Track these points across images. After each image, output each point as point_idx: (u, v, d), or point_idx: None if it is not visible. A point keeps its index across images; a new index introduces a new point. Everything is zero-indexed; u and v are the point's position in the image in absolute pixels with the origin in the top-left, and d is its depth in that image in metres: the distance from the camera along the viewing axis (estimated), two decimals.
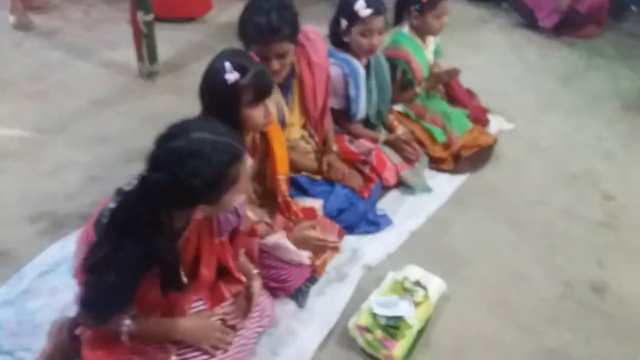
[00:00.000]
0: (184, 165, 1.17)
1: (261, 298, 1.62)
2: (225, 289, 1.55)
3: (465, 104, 2.77)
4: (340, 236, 1.98)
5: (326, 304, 1.82)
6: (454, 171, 2.54)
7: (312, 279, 1.86)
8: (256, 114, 1.60)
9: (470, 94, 2.92)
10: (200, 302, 1.50)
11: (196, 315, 1.47)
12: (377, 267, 2.01)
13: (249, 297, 1.55)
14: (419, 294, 1.75)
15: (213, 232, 1.44)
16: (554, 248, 2.19)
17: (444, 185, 2.48)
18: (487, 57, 3.78)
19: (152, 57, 3.06)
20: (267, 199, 1.89)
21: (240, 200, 1.43)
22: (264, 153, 1.82)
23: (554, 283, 2.03)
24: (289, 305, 1.80)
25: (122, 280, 1.23)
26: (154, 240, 1.23)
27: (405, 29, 2.59)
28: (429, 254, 2.08)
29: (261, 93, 1.58)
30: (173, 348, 1.42)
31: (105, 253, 1.22)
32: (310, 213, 1.92)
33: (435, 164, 2.54)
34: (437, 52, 2.73)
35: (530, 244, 2.20)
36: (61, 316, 1.59)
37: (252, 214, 1.78)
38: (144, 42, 2.97)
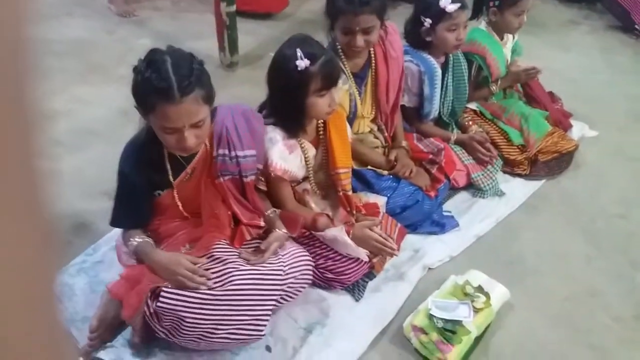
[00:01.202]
0: (139, 64, 1.37)
1: (294, 256, 1.64)
2: (246, 231, 1.63)
3: (546, 105, 2.64)
4: (402, 236, 1.95)
5: (382, 301, 1.80)
6: (529, 176, 2.42)
7: (370, 274, 1.84)
8: (321, 102, 1.62)
9: (553, 96, 2.78)
10: (225, 242, 1.59)
11: (170, 253, 1.54)
12: (439, 269, 1.96)
13: (263, 248, 1.59)
14: (480, 300, 1.70)
15: (212, 172, 1.57)
16: (633, 265, 2.04)
17: (517, 190, 2.37)
18: (575, 60, 3.57)
19: (233, 48, 3.15)
20: (330, 190, 1.89)
21: (177, 147, 1.43)
22: (327, 144, 1.83)
23: (630, 303, 1.89)
24: (345, 298, 1.79)
25: (123, 190, 1.51)
26: (146, 142, 1.45)
27: (483, 25, 2.50)
28: (494, 261, 2.00)
29: (329, 82, 1.61)
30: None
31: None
32: (372, 209, 1.90)
33: (510, 167, 2.43)
34: (516, 51, 2.62)
35: (606, 260, 2.06)
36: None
37: (314, 205, 1.80)
38: (226, 33, 3.06)
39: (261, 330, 1.50)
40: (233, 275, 1.49)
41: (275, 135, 1.67)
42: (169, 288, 1.45)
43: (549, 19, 4.16)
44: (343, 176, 1.83)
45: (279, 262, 1.58)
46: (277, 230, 1.65)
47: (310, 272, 1.70)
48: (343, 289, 1.80)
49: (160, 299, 1.43)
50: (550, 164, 2.44)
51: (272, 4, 3.88)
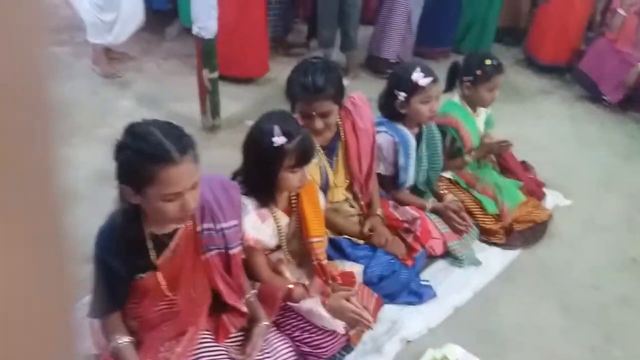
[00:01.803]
0: (123, 140, 1.32)
1: (276, 349, 1.64)
2: (229, 323, 1.60)
3: (519, 176, 2.71)
4: (378, 307, 1.94)
5: None
6: (505, 245, 2.46)
7: (347, 348, 1.81)
8: (293, 177, 1.66)
9: (526, 166, 2.86)
10: (208, 333, 1.56)
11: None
12: (417, 341, 1.94)
13: (249, 340, 1.58)
14: None
15: (197, 248, 1.52)
16: (608, 338, 2.05)
17: (493, 259, 2.39)
18: (546, 129, 3.70)
19: (215, 111, 3.21)
20: (305, 259, 1.90)
21: (175, 216, 1.38)
22: (299, 213, 1.85)
23: None
24: None
25: (101, 277, 1.42)
26: (123, 223, 1.39)
27: (456, 98, 2.60)
28: (472, 333, 1.99)
29: (303, 159, 1.65)
30: None
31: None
32: (348, 278, 1.90)
33: (486, 236, 2.47)
34: (488, 123, 2.71)
35: (582, 332, 2.07)
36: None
37: (289, 275, 1.79)
38: (208, 97, 3.12)
39: None
40: None
41: (247, 205, 1.69)
42: None
43: (522, 87, 4.34)
44: (316, 245, 1.85)
45: None
46: (258, 324, 1.65)
47: None
48: None
49: None
50: (525, 233, 2.48)
51: (253, 69, 3.97)
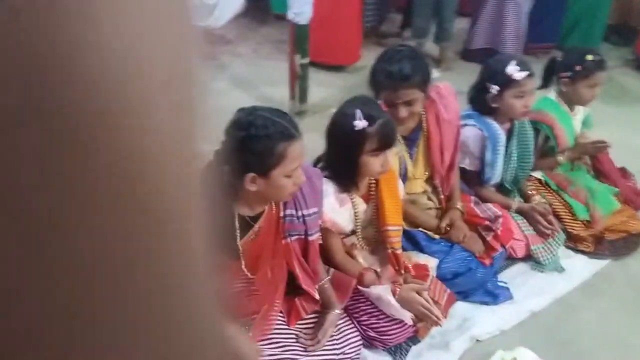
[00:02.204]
0: (241, 131, 1.35)
1: (344, 335, 1.68)
2: (301, 307, 1.65)
3: (615, 182, 2.53)
4: (450, 303, 1.90)
5: None
6: (593, 254, 2.32)
7: (414, 339, 1.80)
8: (375, 162, 1.66)
9: (624, 173, 2.67)
10: (280, 315, 1.62)
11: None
12: (487, 342, 1.89)
13: (320, 326, 1.63)
14: None
15: (278, 232, 1.57)
16: None
17: (579, 267, 2.26)
18: None
19: (303, 97, 3.27)
20: (379, 247, 1.90)
21: (291, 191, 1.45)
22: (377, 201, 1.85)
23: None
24: (384, 357, 1.77)
25: None
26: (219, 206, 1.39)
27: (552, 94, 2.47)
28: (547, 340, 1.91)
29: (384, 143, 1.65)
30: None
31: None
32: (421, 271, 1.88)
33: (573, 242, 2.34)
34: (586, 123, 2.55)
35: None
36: None
37: (362, 260, 1.80)
38: (297, 83, 3.19)
39: None
40: None
41: (327, 188, 1.72)
42: None
43: (629, 89, 4.04)
44: (393, 234, 1.84)
45: (332, 354, 1.63)
46: (330, 311, 1.69)
47: (360, 352, 1.73)
48: (384, 350, 1.77)
49: None
50: (616, 243, 2.32)
51: (344, 57, 4.00)
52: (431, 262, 1.97)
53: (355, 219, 1.82)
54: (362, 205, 1.82)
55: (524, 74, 2.09)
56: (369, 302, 1.74)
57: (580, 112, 2.51)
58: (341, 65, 4.01)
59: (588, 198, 2.38)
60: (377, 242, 1.91)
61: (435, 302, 1.77)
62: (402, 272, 1.83)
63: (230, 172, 1.42)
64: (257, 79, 3.82)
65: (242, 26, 4.51)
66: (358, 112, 1.60)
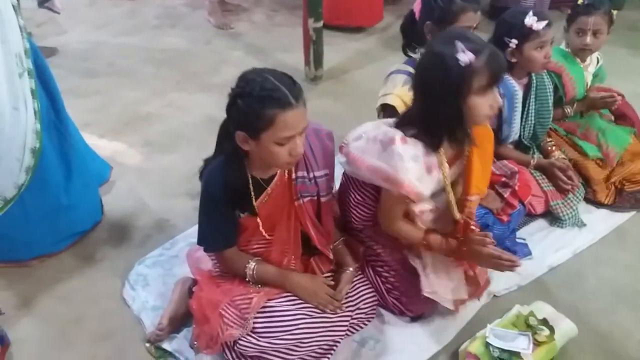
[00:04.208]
0: (238, 87, 1.36)
1: (359, 291, 1.71)
2: (317, 266, 1.68)
3: (633, 121, 2.47)
4: (486, 287, 1.83)
5: (440, 323, 1.77)
6: (614, 207, 2.28)
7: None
8: (484, 103, 1.44)
9: None
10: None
11: (309, 275, 1.65)
12: (504, 297, 1.90)
13: (335, 285, 1.65)
14: (543, 333, 1.62)
15: (291, 194, 1.58)
16: None
17: (600, 222, 2.24)
18: None
19: (318, 62, 3.25)
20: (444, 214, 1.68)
21: (287, 160, 1.41)
22: (466, 166, 1.63)
23: None
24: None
25: (214, 214, 1.55)
26: (230, 166, 1.48)
27: (563, 45, 2.42)
28: (566, 295, 1.90)
29: (495, 77, 1.42)
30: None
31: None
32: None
33: (590, 188, 2.30)
34: (598, 75, 2.47)
35: None
36: (185, 277, 1.84)
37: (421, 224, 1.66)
38: (312, 48, 3.16)
39: None
40: (305, 322, 1.55)
41: (417, 152, 1.49)
42: (244, 338, 1.52)
43: None
44: (473, 203, 1.66)
45: (348, 310, 1.65)
46: (345, 269, 1.71)
47: (375, 310, 1.76)
48: None
49: (240, 344, 1.52)
50: (638, 195, 2.27)
51: (365, 18, 3.94)
52: None
53: (445, 186, 1.59)
54: (448, 170, 1.57)
55: (543, 23, 2.03)
56: (392, 272, 1.76)
57: (593, 64, 2.43)
58: (361, 27, 3.95)
59: (599, 137, 2.35)
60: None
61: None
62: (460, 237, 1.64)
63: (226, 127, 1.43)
64: (271, 45, 3.80)
65: None
66: (459, 45, 1.37)
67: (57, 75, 1.96)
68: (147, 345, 1.70)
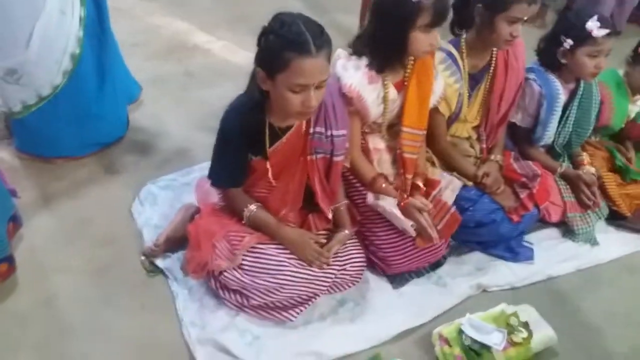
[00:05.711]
0: (269, 25, 1.38)
1: (349, 253, 1.74)
2: (313, 223, 1.71)
3: None
4: (454, 222, 1.85)
5: (423, 302, 1.79)
6: (630, 223, 2.22)
7: (418, 272, 1.84)
8: (424, 39, 1.60)
9: None
10: (293, 226, 1.70)
11: (300, 231, 1.68)
12: (495, 294, 1.89)
13: (329, 242, 1.68)
14: (520, 335, 1.62)
15: (305, 148, 1.60)
16: None
17: (614, 245, 2.16)
18: None
19: None
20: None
21: (299, 110, 1.42)
22: (404, 95, 1.78)
23: None
24: (387, 286, 1.83)
25: (228, 151, 1.58)
26: (249, 107, 1.51)
27: (622, 71, 2.31)
28: (557, 305, 1.88)
29: (437, 19, 1.58)
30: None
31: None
32: (431, 184, 1.88)
33: (615, 205, 2.23)
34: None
35: None
36: (190, 203, 1.90)
37: (376, 165, 1.83)
38: (368, 11, 3.11)
39: (294, 315, 1.66)
40: (289, 269, 1.61)
41: (359, 63, 1.67)
42: (230, 271, 1.60)
43: None
44: (407, 136, 1.79)
45: (333, 268, 1.68)
46: (342, 231, 1.73)
47: (361, 275, 1.79)
48: (385, 276, 1.84)
49: (225, 276, 1.60)
50: None
51: None
52: (454, 184, 1.93)
53: (385, 105, 1.76)
54: (393, 92, 1.75)
55: (604, 31, 1.94)
56: (372, 226, 1.80)
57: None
58: None
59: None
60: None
61: (434, 227, 1.77)
62: (408, 179, 1.82)
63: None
64: (331, 4, 3.77)
65: None
66: None
67: None
68: (142, 258, 1.80)
